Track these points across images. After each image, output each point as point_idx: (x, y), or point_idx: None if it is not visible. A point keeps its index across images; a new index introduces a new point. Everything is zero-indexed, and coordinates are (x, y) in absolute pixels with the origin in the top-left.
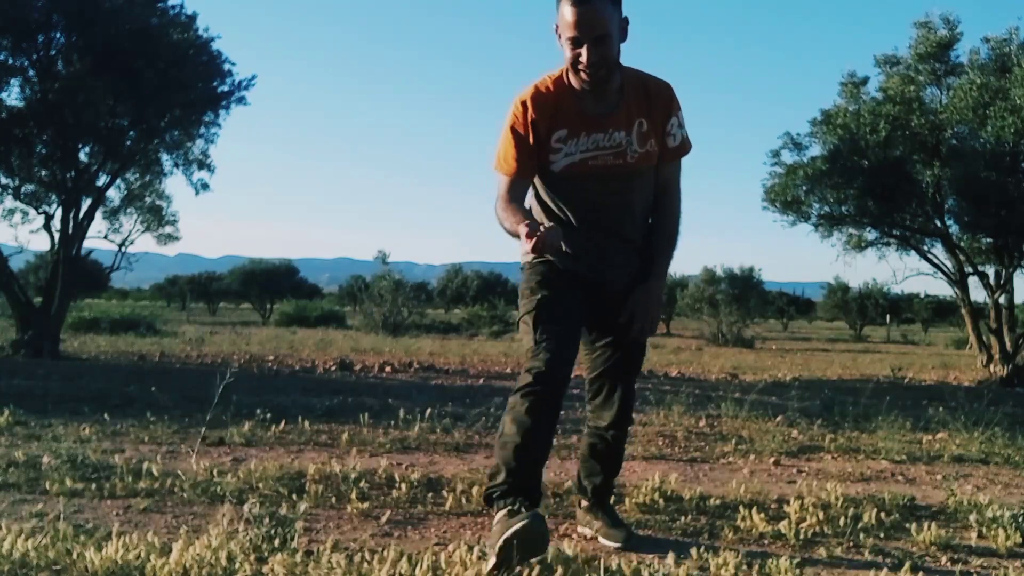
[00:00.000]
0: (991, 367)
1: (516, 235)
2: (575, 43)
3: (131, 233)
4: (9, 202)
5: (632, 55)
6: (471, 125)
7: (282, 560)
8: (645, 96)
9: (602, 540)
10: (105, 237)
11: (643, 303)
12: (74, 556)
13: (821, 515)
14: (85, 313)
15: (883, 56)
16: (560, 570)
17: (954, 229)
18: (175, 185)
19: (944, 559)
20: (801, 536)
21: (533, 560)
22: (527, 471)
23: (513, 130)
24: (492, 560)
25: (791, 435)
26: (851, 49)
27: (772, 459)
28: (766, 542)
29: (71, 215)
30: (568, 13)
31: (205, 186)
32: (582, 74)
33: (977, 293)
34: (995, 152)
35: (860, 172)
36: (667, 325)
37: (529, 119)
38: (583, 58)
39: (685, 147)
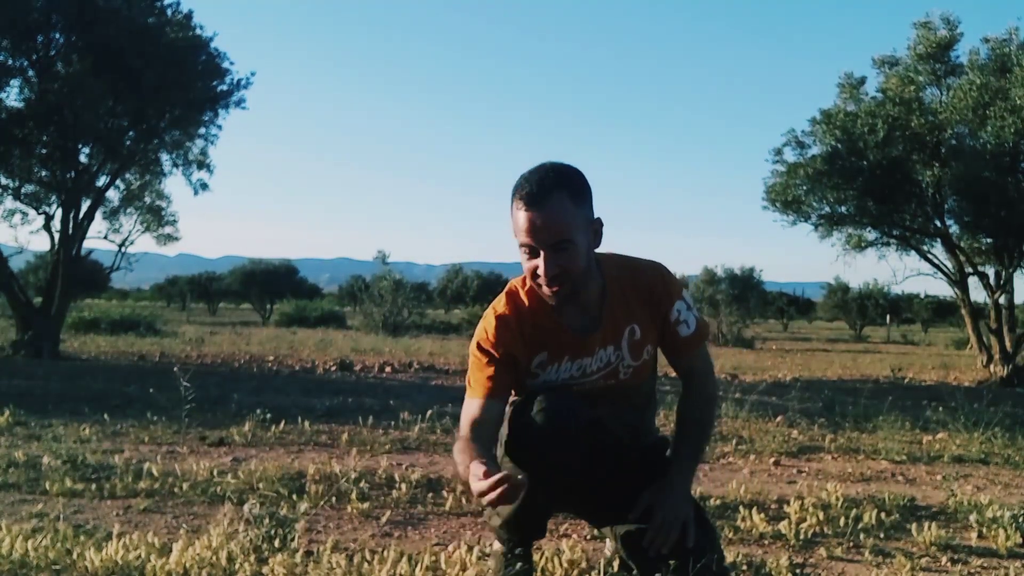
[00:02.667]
0: (991, 367)
1: (466, 484)
2: (530, 252)
3: (131, 233)
4: (9, 202)
5: (632, 55)
6: (472, 124)
7: (282, 560)
8: (635, 293)
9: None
10: (105, 237)
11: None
12: (74, 556)
13: (821, 515)
14: (85, 313)
15: (881, 57)
16: (560, 571)
17: (954, 229)
18: (175, 185)
19: (944, 559)
20: (801, 536)
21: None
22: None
23: (482, 349)
24: None
25: (791, 435)
26: (852, 48)
27: (772, 459)
28: (766, 542)
29: (71, 215)
30: (520, 217)
31: (204, 186)
32: (544, 289)
33: (977, 293)
34: (995, 152)
35: (860, 172)
36: None
37: (504, 340)
38: (540, 270)
39: (702, 331)
